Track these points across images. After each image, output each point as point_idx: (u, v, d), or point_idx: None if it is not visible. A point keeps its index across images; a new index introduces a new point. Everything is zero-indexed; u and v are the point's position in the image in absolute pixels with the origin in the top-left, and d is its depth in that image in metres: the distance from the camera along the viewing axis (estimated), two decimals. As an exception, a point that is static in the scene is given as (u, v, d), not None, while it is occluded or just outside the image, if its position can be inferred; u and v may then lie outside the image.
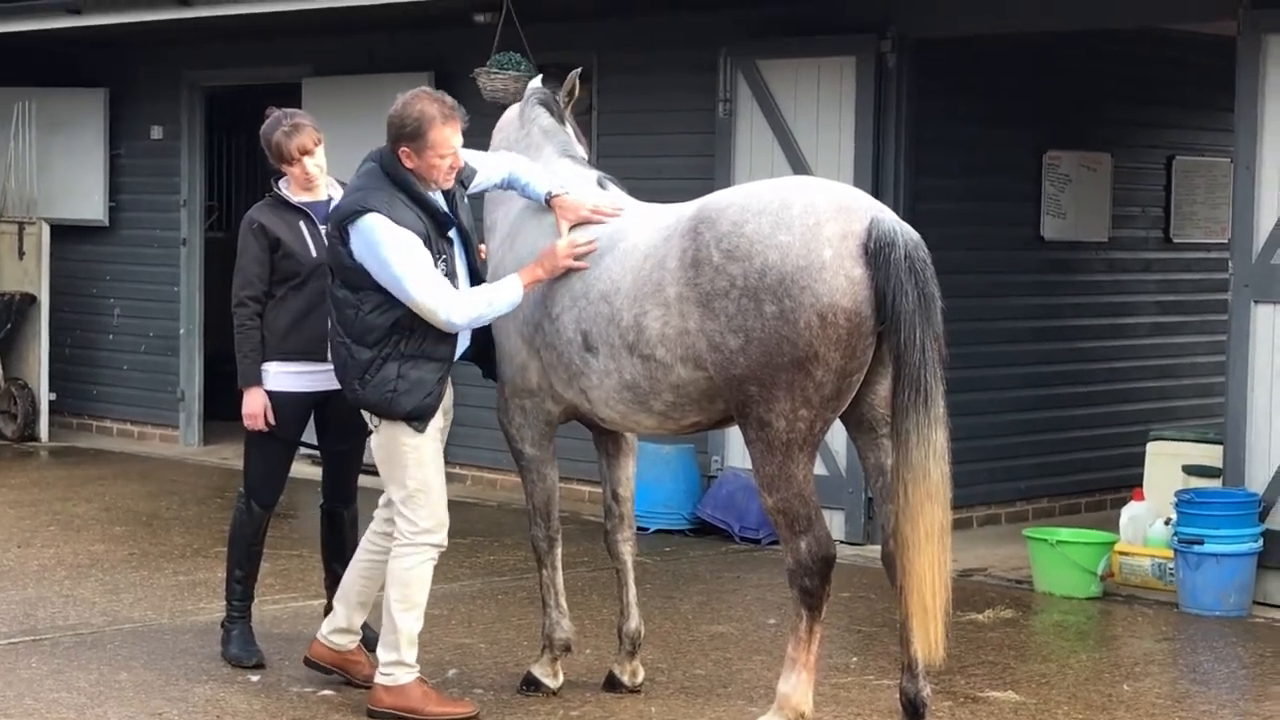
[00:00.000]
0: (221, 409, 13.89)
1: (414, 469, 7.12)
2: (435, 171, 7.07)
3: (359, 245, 6.96)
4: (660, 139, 11.92)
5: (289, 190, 8.04)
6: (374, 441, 7.21)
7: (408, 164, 7.04)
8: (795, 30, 11.33)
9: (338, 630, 7.60)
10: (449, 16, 12.02)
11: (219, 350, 13.92)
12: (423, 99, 7.09)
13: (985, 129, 11.77)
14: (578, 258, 7.11)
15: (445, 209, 7.18)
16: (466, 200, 7.42)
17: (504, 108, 8.33)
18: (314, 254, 7.89)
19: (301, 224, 7.96)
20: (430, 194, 7.10)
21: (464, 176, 7.29)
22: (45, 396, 15.31)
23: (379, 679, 7.21)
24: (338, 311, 7.13)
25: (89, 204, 15.56)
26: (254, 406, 7.90)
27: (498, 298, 7.09)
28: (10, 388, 15.22)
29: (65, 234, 15.43)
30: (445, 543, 7.25)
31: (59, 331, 15.44)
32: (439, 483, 7.18)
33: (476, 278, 7.35)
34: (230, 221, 15.18)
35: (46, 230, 15.28)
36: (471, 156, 7.34)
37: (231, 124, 15.62)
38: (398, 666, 7.17)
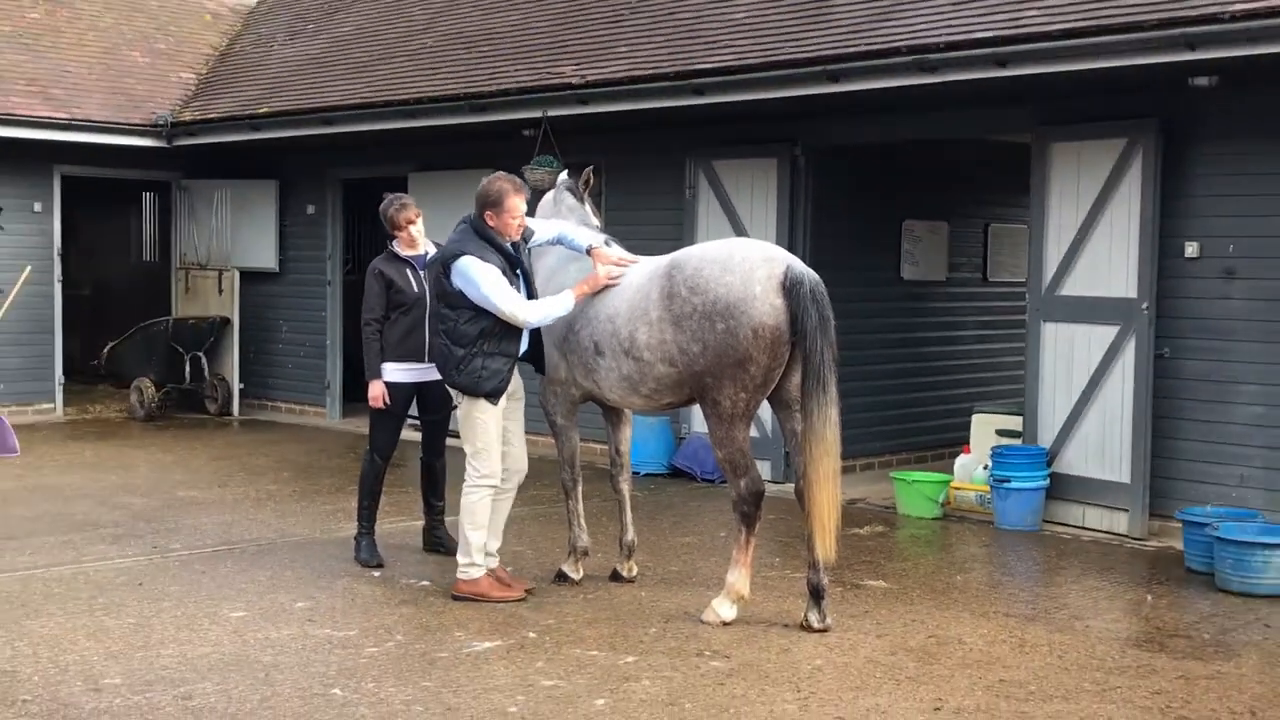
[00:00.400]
0: (354, 394, 13.83)
1: (481, 433, 7.10)
2: (509, 228, 7.04)
3: (458, 277, 6.93)
4: (647, 212, 11.88)
5: (399, 248, 8.04)
6: (458, 414, 7.19)
7: (490, 223, 7.01)
8: (737, 141, 11.30)
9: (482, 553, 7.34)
10: (505, 132, 12.03)
11: (352, 355, 13.90)
12: (501, 179, 7.06)
13: (863, 205, 11.72)
14: (611, 277, 7.11)
15: (515, 254, 7.17)
16: (527, 250, 7.42)
17: (543, 192, 8.32)
18: (415, 290, 7.88)
19: (407, 270, 7.97)
20: (505, 244, 7.10)
21: (526, 234, 7.27)
22: (237, 386, 15.25)
23: (458, 574, 7.20)
24: (441, 324, 7.08)
25: (265, 257, 15.48)
26: (376, 392, 7.92)
27: (555, 305, 7.05)
28: (214, 380, 15.18)
29: (250, 277, 15.37)
30: (499, 484, 7.22)
31: (246, 342, 15.36)
32: (497, 444, 7.16)
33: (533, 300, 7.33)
34: (359, 268, 15.13)
35: (237, 275, 15.22)
36: (530, 222, 7.33)
37: (360, 203, 15.57)
38: (471, 566, 7.16)
